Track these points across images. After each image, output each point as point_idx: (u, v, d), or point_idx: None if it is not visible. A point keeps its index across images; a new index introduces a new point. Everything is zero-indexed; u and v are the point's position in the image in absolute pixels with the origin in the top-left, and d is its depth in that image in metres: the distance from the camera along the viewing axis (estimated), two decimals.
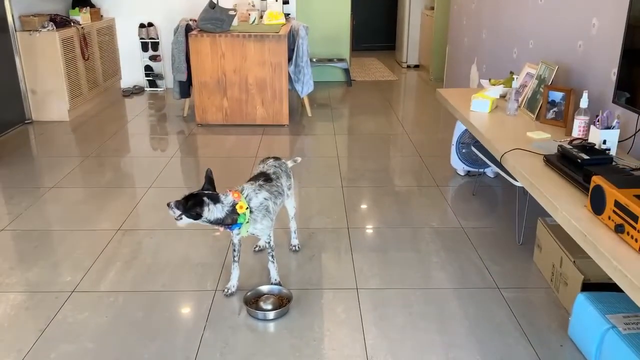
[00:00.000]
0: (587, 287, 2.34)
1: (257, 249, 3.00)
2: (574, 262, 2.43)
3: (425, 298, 2.58)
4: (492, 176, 4.04)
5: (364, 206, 3.61)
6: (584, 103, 2.71)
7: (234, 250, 2.58)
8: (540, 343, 2.26)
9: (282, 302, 2.50)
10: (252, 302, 2.50)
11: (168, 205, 2.33)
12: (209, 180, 2.46)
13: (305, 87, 5.48)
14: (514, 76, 3.60)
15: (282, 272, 2.75)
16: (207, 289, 2.64)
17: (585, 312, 2.18)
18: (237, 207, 2.37)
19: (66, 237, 3.14)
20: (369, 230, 3.28)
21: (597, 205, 1.92)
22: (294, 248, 2.99)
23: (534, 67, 3.45)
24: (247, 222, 2.41)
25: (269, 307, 2.46)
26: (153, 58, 6.69)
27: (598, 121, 2.51)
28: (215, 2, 5.20)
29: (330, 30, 7.33)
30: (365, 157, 4.53)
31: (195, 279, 2.74)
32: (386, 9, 9.87)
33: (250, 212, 2.41)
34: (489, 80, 3.92)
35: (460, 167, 4.05)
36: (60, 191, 3.78)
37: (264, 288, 2.58)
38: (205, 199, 2.33)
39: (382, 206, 3.59)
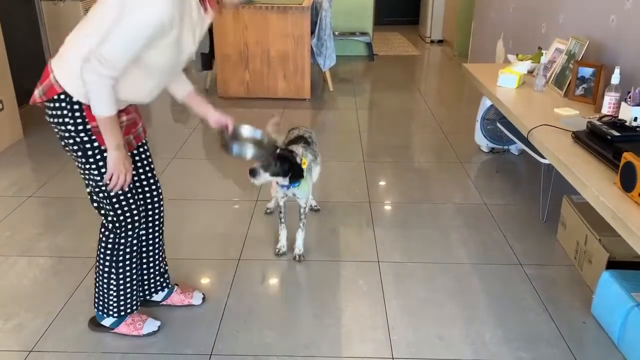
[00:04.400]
0: (612, 265, 2.32)
1: (268, 211, 3.11)
2: (600, 239, 2.40)
3: (446, 273, 2.58)
4: (516, 153, 3.99)
5: (385, 181, 3.61)
6: (615, 79, 2.65)
7: (280, 212, 2.68)
8: (562, 319, 2.26)
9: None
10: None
11: (253, 171, 2.34)
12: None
13: (327, 61, 5.43)
14: (543, 51, 3.52)
15: (305, 243, 2.77)
16: (230, 258, 2.68)
17: (609, 290, 2.16)
18: (302, 161, 2.48)
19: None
20: (391, 205, 3.28)
21: (628, 182, 1.89)
22: (315, 207, 3.14)
23: (563, 42, 3.37)
24: (304, 178, 2.51)
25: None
26: None
27: (630, 98, 2.45)
28: None
29: (353, 3, 7.23)
30: (387, 133, 4.51)
31: (218, 247, 2.77)
32: None
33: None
34: (517, 55, 3.84)
35: (485, 143, 4.01)
36: None
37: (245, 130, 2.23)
38: (295, 158, 2.42)
39: (404, 181, 3.58)
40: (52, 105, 1.77)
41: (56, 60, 1.78)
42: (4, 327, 2.19)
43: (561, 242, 2.82)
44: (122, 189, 1.87)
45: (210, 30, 5.20)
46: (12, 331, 2.17)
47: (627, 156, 1.90)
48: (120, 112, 1.84)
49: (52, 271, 2.57)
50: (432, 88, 6.21)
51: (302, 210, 2.66)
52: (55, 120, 1.80)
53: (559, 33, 3.75)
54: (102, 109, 1.70)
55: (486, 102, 3.83)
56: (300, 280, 2.54)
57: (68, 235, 2.88)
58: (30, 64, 5.11)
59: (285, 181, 2.47)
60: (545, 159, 2.66)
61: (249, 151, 2.15)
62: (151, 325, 2.16)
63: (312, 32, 5.26)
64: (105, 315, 2.11)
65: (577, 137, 2.39)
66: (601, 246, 2.38)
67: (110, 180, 1.81)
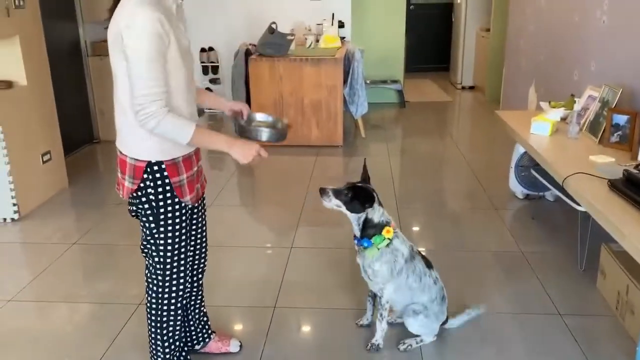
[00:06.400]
0: None
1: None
2: None
3: (484, 323, 2.55)
4: (551, 200, 3.96)
5: (419, 228, 3.61)
6: None
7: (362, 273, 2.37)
8: None
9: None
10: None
11: (323, 190, 2.21)
12: (366, 173, 2.32)
13: (359, 109, 5.55)
14: (575, 99, 3.54)
15: (331, 299, 2.78)
16: (266, 305, 2.71)
17: None
18: (386, 228, 2.22)
19: (132, 251, 3.28)
20: (425, 252, 3.27)
21: None
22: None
23: (596, 89, 3.38)
24: (378, 249, 2.22)
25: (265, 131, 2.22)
26: (213, 81, 6.93)
27: None
28: (274, 27, 5.36)
29: (384, 52, 7.40)
30: (419, 179, 4.53)
31: (254, 295, 2.81)
32: (440, 31, 9.86)
33: (387, 244, 2.23)
34: (549, 102, 3.86)
35: (519, 190, 3.99)
36: (125, 208, 3.94)
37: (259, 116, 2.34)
38: (376, 196, 2.21)
39: (438, 228, 3.58)
40: (143, 177, 1.81)
41: (119, 142, 1.86)
42: None
43: (601, 291, 2.77)
44: (181, 267, 1.94)
45: (247, 82, 5.39)
46: None
47: None
48: (193, 157, 1.93)
49: (95, 317, 2.64)
50: (464, 134, 6.23)
51: (377, 299, 2.34)
52: (139, 193, 1.83)
53: (591, 80, 3.77)
54: (185, 133, 1.72)
55: (520, 149, 3.83)
56: (335, 330, 2.54)
57: (109, 282, 2.96)
58: (76, 115, 5.38)
59: (356, 228, 2.23)
60: (581, 206, 2.65)
61: (264, 133, 2.16)
62: None
63: (345, 82, 5.40)
64: None
65: (613, 185, 2.38)
66: None
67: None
